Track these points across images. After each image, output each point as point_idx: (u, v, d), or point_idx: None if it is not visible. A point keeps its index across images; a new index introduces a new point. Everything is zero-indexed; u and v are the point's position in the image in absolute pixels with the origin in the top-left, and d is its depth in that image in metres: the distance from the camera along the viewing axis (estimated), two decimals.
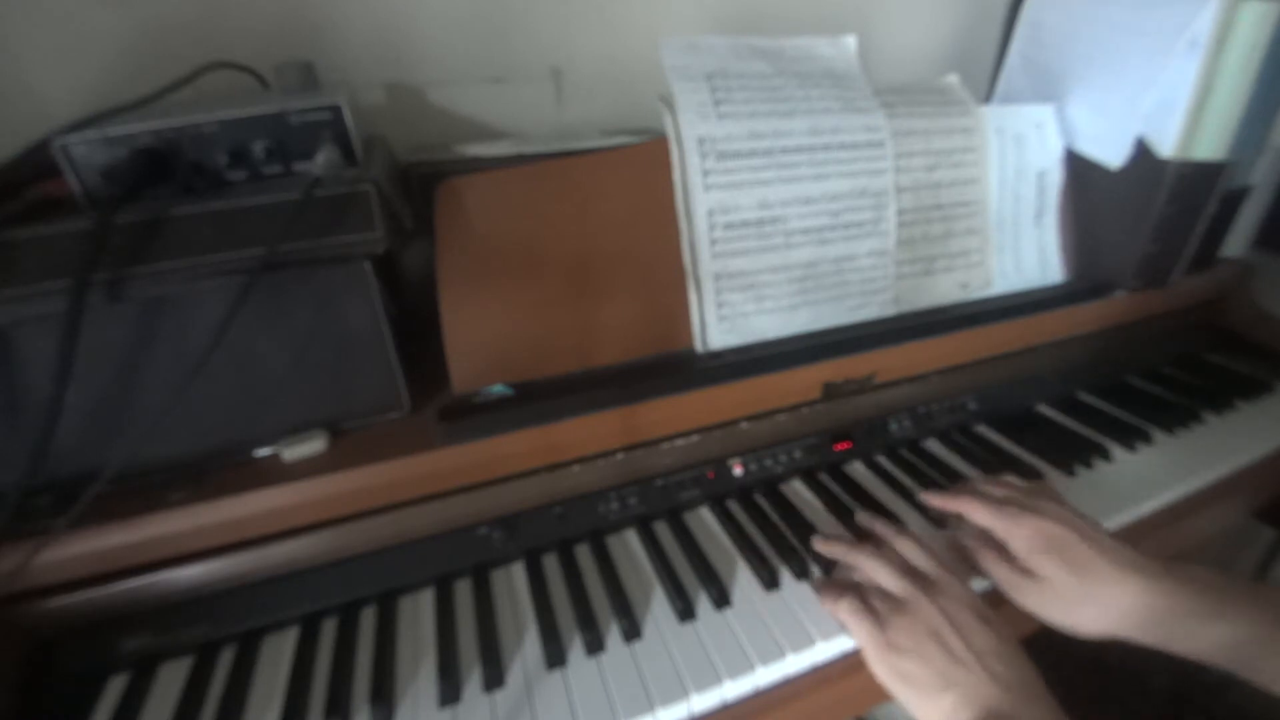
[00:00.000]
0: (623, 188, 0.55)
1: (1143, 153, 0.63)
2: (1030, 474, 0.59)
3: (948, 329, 0.62)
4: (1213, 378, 0.75)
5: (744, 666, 0.43)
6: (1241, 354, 0.78)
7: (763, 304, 0.59)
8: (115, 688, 0.44)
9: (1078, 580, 0.43)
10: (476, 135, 0.71)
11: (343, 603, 0.49)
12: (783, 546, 0.52)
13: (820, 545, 0.51)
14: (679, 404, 0.54)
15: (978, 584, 0.49)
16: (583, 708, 0.41)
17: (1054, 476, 0.60)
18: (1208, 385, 0.72)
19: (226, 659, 0.46)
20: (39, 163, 0.44)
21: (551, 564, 0.52)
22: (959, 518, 0.52)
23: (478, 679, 0.43)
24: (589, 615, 0.47)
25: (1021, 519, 0.46)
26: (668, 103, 0.55)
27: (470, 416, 0.49)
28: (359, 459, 0.47)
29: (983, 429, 0.67)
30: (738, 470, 0.58)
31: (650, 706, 0.41)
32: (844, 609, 0.44)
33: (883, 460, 0.63)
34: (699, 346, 0.58)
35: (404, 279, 0.58)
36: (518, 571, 0.52)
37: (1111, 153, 0.65)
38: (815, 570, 0.51)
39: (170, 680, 0.44)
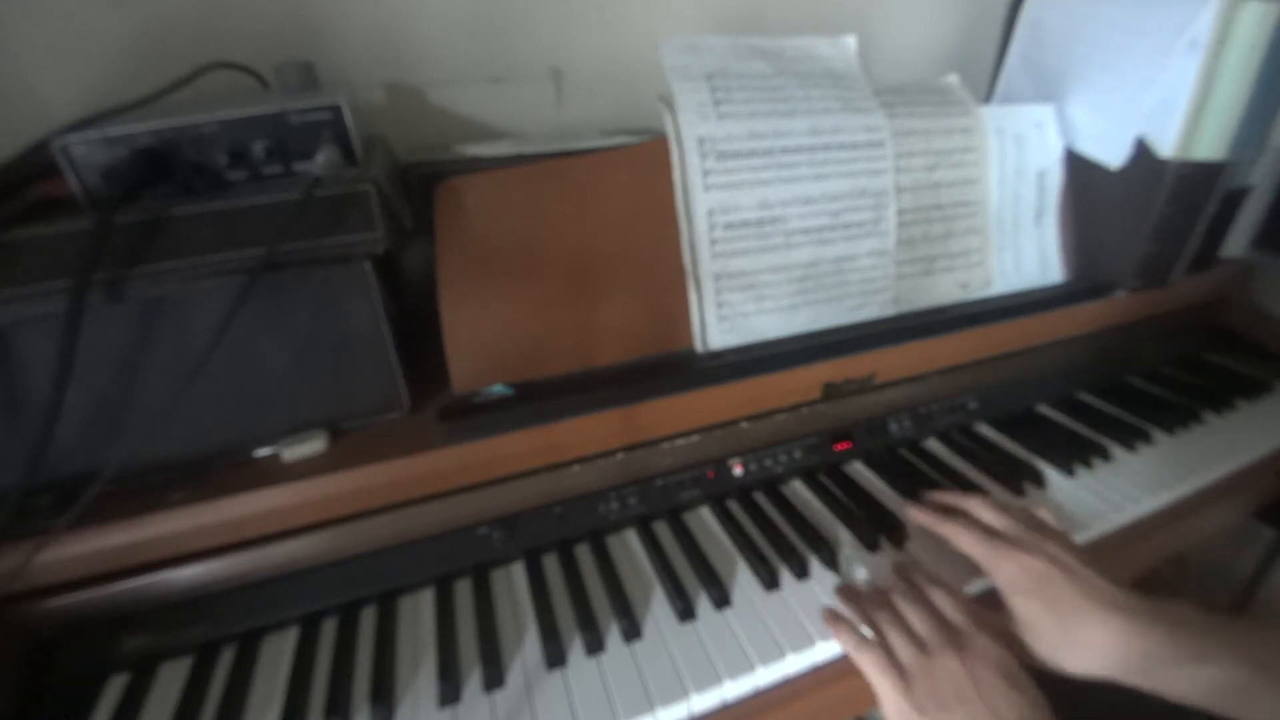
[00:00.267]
0: (623, 188, 0.55)
1: (1143, 153, 0.62)
2: (1030, 474, 0.59)
3: (948, 329, 0.62)
4: (1213, 378, 0.75)
5: (744, 666, 0.43)
6: (1241, 354, 0.78)
7: (763, 304, 0.59)
8: (115, 688, 0.44)
9: (1058, 621, 0.42)
10: (476, 135, 0.71)
11: (343, 603, 0.49)
12: (783, 546, 0.52)
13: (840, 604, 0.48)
14: (679, 404, 0.54)
15: (979, 583, 0.50)
16: (583, 708, 0.41)
17: (1053, 476, 0.60)
18: (1208, 385, 0.72)
19: (226, 659, 0.46)
20: (39, 163, 0.44)
21: (551, 564, 0.52)
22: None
23: (478, 679, 0.43)
24: (589, 615, 0.47)
25: (1007, 555, 0.45)
26: (668, 103, 0.55)
27: (470, 416, 0.49)
28: (359, 459, 0.47)
29: (983, 429, 0.67)
30: (738, 470, 0.58)
31: (650, 706, 0.41)
32: (867, 662, 0.42)
33: (883, 460, 0.63)
34: (699, 346, 0.58)
35: (404, 279, 0.58)
36: (518, 571, 0.52)
37: (1111, 153, 0.65)
38: (816, 570, 0.51)
39: (170, 680, 0.44)
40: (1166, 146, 0.61)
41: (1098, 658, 0.41)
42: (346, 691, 0.43)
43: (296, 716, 0.42)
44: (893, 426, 0.64)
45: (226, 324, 0.41)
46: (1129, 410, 0.68)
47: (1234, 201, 0.71)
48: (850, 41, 0.63)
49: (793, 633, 0.46)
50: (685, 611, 0.47)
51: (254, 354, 0.46)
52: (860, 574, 0.50)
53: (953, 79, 0.67)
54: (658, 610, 0.48)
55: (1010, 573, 0.44)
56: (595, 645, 0.45)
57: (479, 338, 0.52)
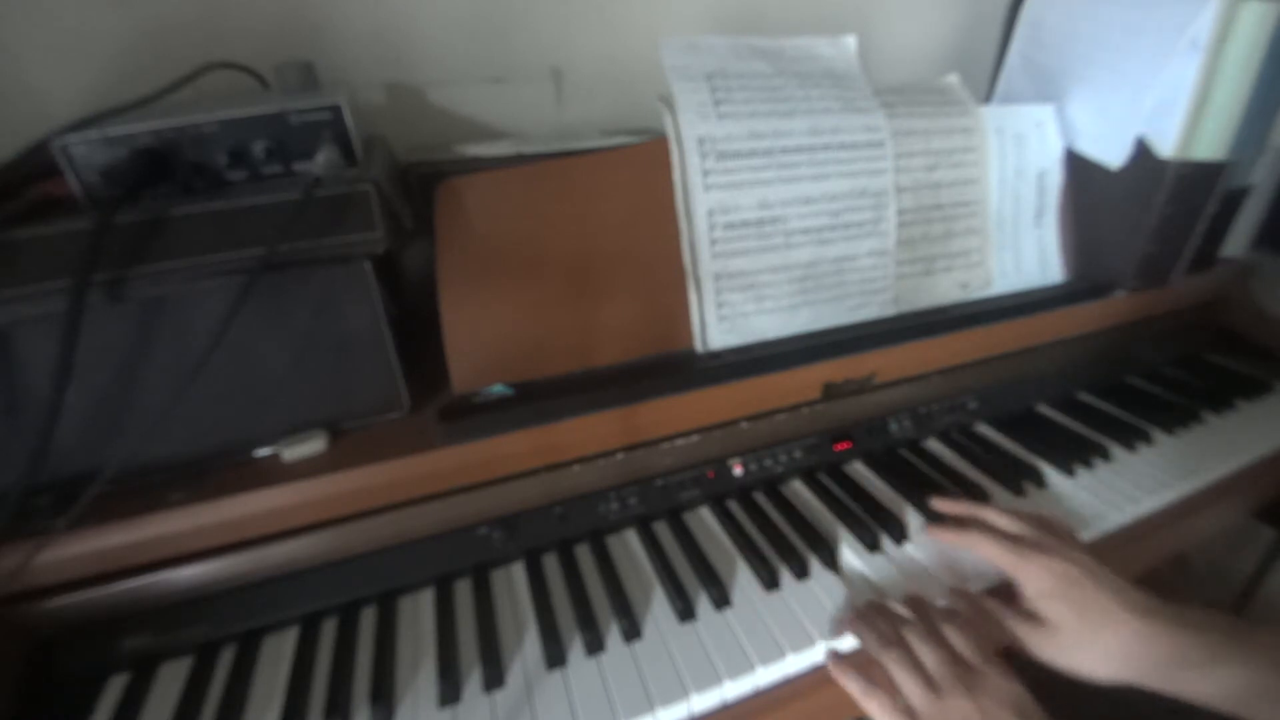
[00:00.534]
0: (623, 188, 0.55)
1: (1143, 153, 0.62)
2: (1030, 474, 0.59)
3: (948, 329, 0.62)
4: (1213, 378, 0.75)
5: (744, 666, 0.43)
6: (1241, 354, 0.78)
7: (763, 304, 0.59)
8: (115, 688, 0.44)
9: (1083, 622, 0.42)
10: (476, 135, 0.71)
11: (343, 603, 0.49)
12: (783, 546, 0.52)
13: (851, 627, 0.46)
14: (679, 404, 0.54)
15: (980, 583, 0.50)
16: (583, 708, 0.41)
17: (1053, 476, 0.60)
18: (1208, 385, 0.72)
19: (226, 659, 0.46)
20: (39, 163, 0.44)
21: (551, 564, 0.52)
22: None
23: (478, 679, 0.43)
24: (589, 615, 0.47)
25: (1030, 557, 0.45)
26: (668, 103, 0.55)
27: (470, 416, 0.49)
28: (359, 459, 0.47)
29: (983, 429, 0.67)
30: (738, 470, 0.58)
31: (650, 706, 0.41)
32: (875, 708, 0.41)
33: (883, 460, 0.63)
34: (699, 346, 0.58)
35: (404, 279, 0.58)
36: (518, 571, 0.52)
37: (1111, 153, 0.65)
38: (816, 570, 0.51)
39: (170, 680, 0.44)
40: (1166, 146, 0.61)
41: (1119, 660, 0.41)
42: (346, 691, 0.43)
43: (296, 716, 0.42)
44: (893, 426, 0.64)
45: (226, 324, 0.41)
46: (1129, 410, 0.68)
47: (1234, 201, 0.71)
48: (850, 41, 0.63)
49: (793, 633, 0.46)
50: (685, 611, 0.47)
51: (254, 354, 0.46)
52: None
53: (953, 79, 0.67)
54: (658, 610, 0.48)
55: (1036, 576, 0.45)
56: (595, 645, 0.45)
57: (479, 338, 0.52)
